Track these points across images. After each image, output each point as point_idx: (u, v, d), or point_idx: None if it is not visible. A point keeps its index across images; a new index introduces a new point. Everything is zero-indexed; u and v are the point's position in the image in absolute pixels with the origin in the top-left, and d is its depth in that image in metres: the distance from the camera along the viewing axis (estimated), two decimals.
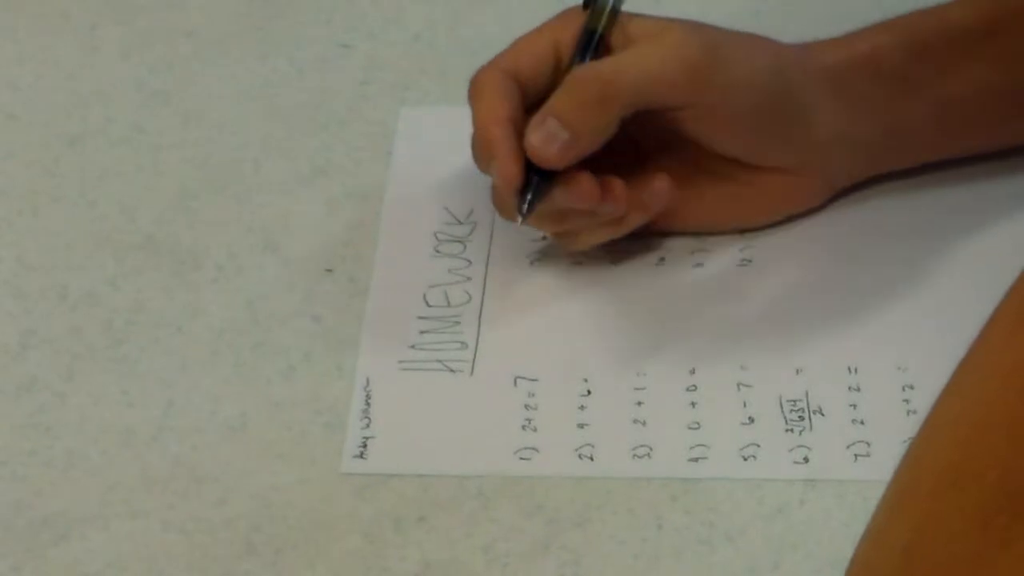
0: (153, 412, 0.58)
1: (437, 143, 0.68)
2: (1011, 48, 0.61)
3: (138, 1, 0.82)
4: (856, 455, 0.53)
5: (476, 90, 0.58)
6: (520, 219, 0.55)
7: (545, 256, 0.64)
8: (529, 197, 0.55)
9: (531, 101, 0.57)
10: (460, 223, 0.64)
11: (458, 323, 0.60)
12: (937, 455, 0.41)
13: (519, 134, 0.56)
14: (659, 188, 0.58)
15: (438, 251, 0.63)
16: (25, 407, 0.59)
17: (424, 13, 0.77)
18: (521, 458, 0.54)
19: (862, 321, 0.59)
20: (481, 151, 0.56)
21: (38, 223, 0.68)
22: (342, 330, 0.62)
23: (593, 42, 0.57)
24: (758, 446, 0.54)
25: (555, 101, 0.55)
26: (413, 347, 0.59)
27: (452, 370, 0.57)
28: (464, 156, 0.64)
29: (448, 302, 0.61)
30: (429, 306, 0.61)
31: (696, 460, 0.53)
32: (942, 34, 0.60)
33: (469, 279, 0.62)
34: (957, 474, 0.41)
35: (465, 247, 0.63)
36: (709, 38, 0.57)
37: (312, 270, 0.65)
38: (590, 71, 0.56)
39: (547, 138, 0.55)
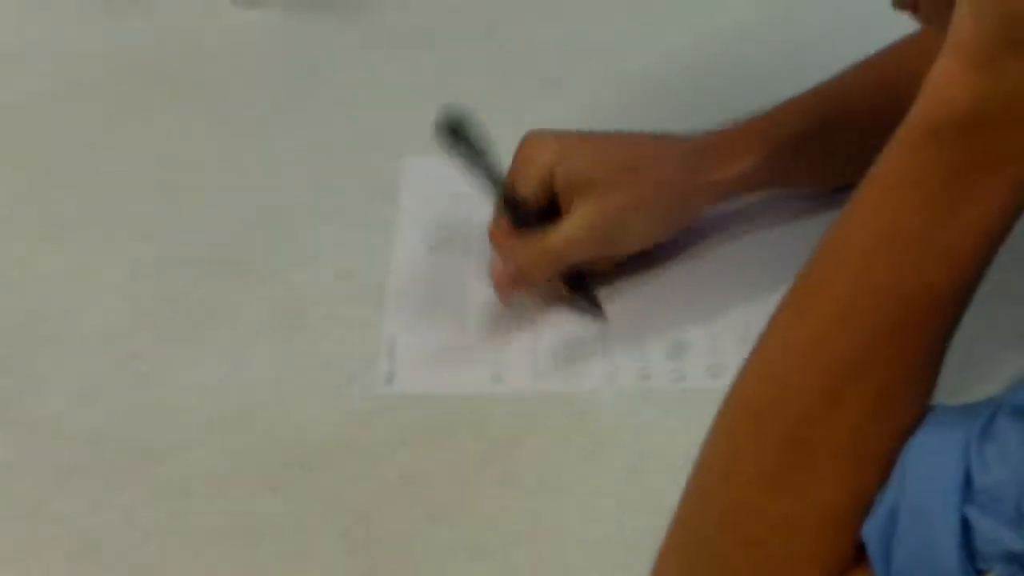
0: (223, 369, 0.70)
1: (429, 181, 0.80)
2: (831, 152, 0.71)
3: (211, 93, 0.92)
4: (714, 374, 0.67)
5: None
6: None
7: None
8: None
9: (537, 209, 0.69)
10: (449, 231, 0.77)
11: (449, 301, 0.73)
12: (744, 397, 0.49)
13: None
14: None
15: (432, 252, 0.76)
16: (133, 371, 0.70)
17: (415, 96, 0.86)
18: (493, 382, 0.68)
19: (721, 287, 0.73)
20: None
21: (144, 245, 0.79)
22: (369, 308, 0.73)
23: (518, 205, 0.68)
24: (650, 369, 0.68)
25: (517, 254, 0.67)
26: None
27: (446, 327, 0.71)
28: (444, 189, 0.78)
29: (445, 284, 0.73)
30: (429, 287, 0.74)
31: (612, 379, 0.68)
32: (791, 144, 0.71)
33: (455, 267, 0.75)
34: (759, 414, 0.48)
35: (452, 248, 0.76)
36: (615, 207, 0.67)
37: (340, 272, 0.75)
38: (538, 243, 0.67)
39: (504, 274, 0.68)
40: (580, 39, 0.94)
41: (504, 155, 0.71)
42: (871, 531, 0.45)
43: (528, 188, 0.68)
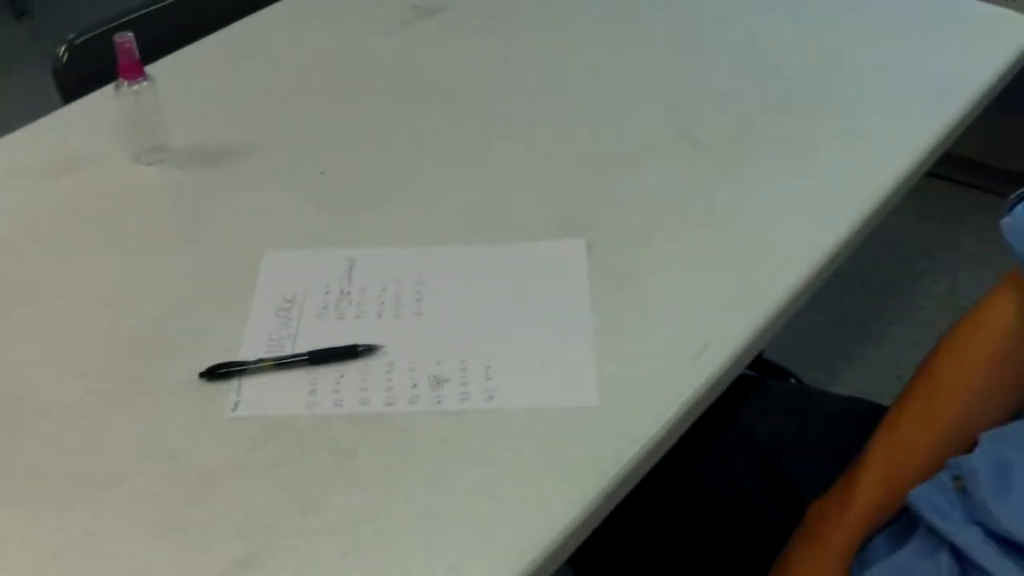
0: (149, 419, 0.87)
1: (279, 264, 1.01)
2: None
3: (126, 226, 1.08)
4: (463, 399, 0.87)
5: None
6: None
7: (326, 315, 0.96)
8: None
9: None
10: (288, 302, 0.98)
11: (284, 346, 0.94)
12: None
13: None
14: None
15: (277, 315, 0.97)
16: (86, 426, 0.87)
17: (270, 216, 1.08)
18: (310, 404, 0.87)
19: (466, 339, 0.92)
20: None
21: (89, 337, 0.95)
22: (227, 353, 0.93)
23: None
24: (419, 396, 0.87)
25: None
26: (263, 357, 0.92)
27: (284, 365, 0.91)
28: (289, 271, 0.98)
29: (281, 336, 0.94)
30: (271, 339, 0.94)
31: (390, 404, 0.87)
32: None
33: (291, 326, 0.95)
34: None
35: (290, 312, 0.97)
36: None
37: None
38: None
39: None
40: (389, 172, 1.17)
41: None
42: None
43: None
